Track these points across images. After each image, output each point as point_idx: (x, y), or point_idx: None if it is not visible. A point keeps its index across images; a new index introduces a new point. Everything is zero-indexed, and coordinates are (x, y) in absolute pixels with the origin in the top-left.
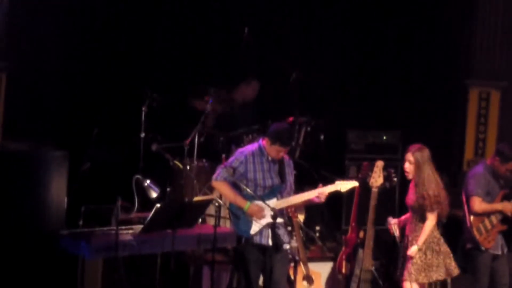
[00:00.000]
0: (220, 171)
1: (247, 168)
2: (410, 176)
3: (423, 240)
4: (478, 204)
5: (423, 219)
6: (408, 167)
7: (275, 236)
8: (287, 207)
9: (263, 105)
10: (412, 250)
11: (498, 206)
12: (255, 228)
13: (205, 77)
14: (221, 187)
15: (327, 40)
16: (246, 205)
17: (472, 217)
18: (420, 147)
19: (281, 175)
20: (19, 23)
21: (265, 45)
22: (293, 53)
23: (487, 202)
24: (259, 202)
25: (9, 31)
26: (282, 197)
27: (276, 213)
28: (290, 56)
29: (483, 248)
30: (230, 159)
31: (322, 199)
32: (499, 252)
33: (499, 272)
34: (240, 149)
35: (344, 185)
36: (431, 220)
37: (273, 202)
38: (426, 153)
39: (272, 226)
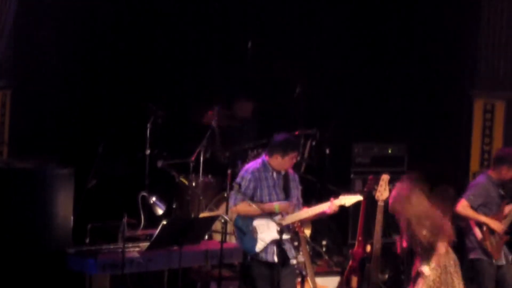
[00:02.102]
0: (235, 196)
1: (252, 185)
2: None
3: (434, 264)
4: (463, 206)
5: (429, 257)
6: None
7: (281, 253)
8: (295, 222)
9: (268, 119)
10: (424, 268)
11: (483, 218)
12: (260, 246)
13: (209, 93)
14: (243, 208)
15: (331, 53)
16: (275, 206)
17: (484, 228)
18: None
19: (286, 190)
20: (24, 41)
21: (269, 59)
22: (296, 66)
23: (481, 213)
24: (265, 219)
25: (14, 49)
26: (287, 213)
27: (283, 228)
28: (294, 69)
29: (493, 260)
30: (237, 180)
31: (336, 210)
32: (504, 262)
33: (508, 281)
34: (244, 168)
35: (348, 199)
36: (440, 249)
37: (278, 218)
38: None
39: (278, 242)
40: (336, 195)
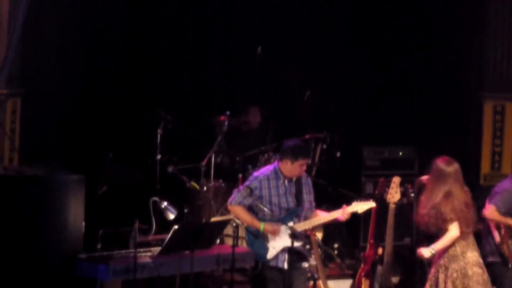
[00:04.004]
0: (235, 195)
1: (262, 194)
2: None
3: (440, 247)
4: (491, 211)
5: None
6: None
7: (292, 260)
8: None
9: (278, 124)
10: (423, 250)
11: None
12: (270, 253)
13: (219, 99)
14: (236, 211)
15: (340, 57)
16: (261, 225)
17: (502, 232)
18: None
19: (298, 197)
20: (32, 48)
21: (278, 64)
22: (306, 70)
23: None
24: (276, 225)
25: (23, 57)
26: (299, 220)
27: (295, 233)
28: (303, 73)
29: (510, 265)
30: (245, 183)
31: (348, 217)
32: None
33: None
34: (255, 173)
35: (361, 206)
36: (453, 230)
37: (290, 224)
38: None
39: (289, 249)
40: (348, 203)
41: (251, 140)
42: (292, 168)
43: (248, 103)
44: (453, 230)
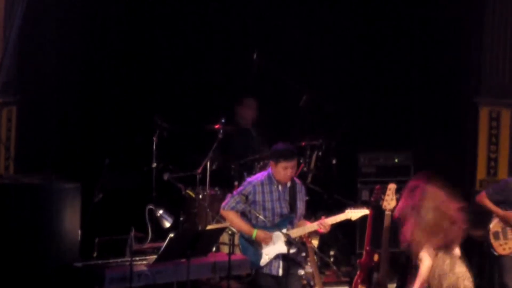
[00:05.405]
0: (229, 200)
1: (256, 199)
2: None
3: (418, 285)
4: (481, 196)
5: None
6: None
7: (287, 266)
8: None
9: (274, 129)
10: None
11: (500, 211)
12: (264, 260)
13: (215, 105)
14: (228, 216)
15: (335, 61)
16: (253, 232)
17: (495, 221)
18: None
19: (292, 203)
20: (28, 56)
21: (274, 68)
22: (302, 76)
23: (500, 208)
24: (274, 232)
25: (18, 63)
26: (292, 226)
27: (290, 239)
28: (299, 79)
29: (496, 253)
30: (239, 189)
31: (327, 229)
32: None
33: None
34: (248, 179)
35: (354, 214)
36: (425, 261)
37: (285, 230)
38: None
39: (283, 256)
40: (344, 210)
41: (249, 141)
42: (276, 170)
43: (242, 95)
44: (424, 261)
